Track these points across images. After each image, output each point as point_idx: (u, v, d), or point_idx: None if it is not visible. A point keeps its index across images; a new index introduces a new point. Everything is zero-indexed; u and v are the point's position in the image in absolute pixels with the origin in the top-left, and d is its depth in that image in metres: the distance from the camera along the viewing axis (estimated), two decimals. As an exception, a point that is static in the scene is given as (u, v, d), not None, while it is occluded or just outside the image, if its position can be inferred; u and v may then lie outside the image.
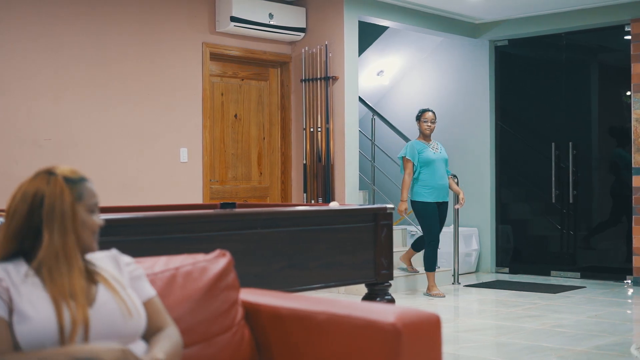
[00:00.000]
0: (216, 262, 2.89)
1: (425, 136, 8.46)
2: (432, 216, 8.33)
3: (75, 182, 2.27)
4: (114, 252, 2.46)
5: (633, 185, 9.17)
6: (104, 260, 2.40)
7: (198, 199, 8.25)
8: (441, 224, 8.49)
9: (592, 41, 10.20)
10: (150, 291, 2.44)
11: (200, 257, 2.89)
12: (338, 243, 4.76)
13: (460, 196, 8.69)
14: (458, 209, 8.90)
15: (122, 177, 7.67)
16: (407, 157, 8.40)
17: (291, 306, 2.85)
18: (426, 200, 8.33)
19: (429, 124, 8.40)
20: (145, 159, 7.86)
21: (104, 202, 7.67)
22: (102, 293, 2.26)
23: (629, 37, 9.33)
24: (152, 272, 2.72)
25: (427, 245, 8.37)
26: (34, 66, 7.15)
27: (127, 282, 2.38)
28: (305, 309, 2.80)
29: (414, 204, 8.40)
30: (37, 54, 7.17)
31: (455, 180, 8.98)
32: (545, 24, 9.90)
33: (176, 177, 8.10)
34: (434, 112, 8.50)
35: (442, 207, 8.49)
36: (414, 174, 8.39)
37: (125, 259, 2.46)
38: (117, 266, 2.40)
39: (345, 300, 2.86)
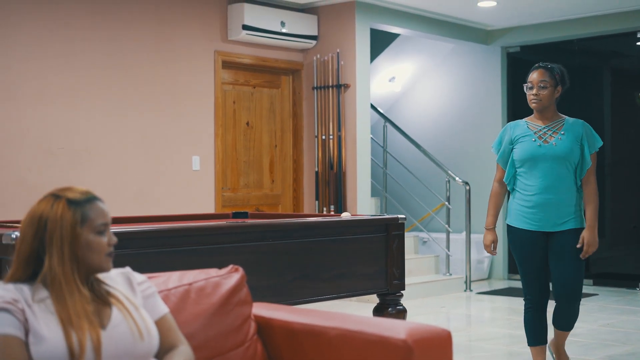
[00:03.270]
0: (229, 277, 2.91)
1: (538, 112, 4.98)
2: (526, 256, 4.93)
3: (80, 204, 2.28)
4: (127, 270, 2.49)
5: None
6: (118, 279, 2.42)
7: (210, 207, 8.28)
8: (561, 269, 4.87)
9: (604, 47, 10.19)
10: (163, 308, 2.46)
11: (213, 272, 2.92)
12: (350, 254, 4.77)
13: (584, 237, 4.84)
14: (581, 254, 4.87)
15: (135, 185, 7.70)
16: (493, 149, 5.13)
17: (303, 321, 2.86)
18: (515, 226, 4.97)
19: (535, 91, 4.91)
20: (158, 167, 7.89)
21: (117, 212, 7.73)
22: (115, 315, 2.29)
23: (640, 43, 9.35)
24: (166, 288, 2.75)
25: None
26: (48, 74, 7.19)
27: (140, 302, 2.40)
28: (318, 324, 2.82)
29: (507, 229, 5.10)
30: (51, 62, 7.20)
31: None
32: (557, 31, 9.90)
33: (189, 185, 8.12)
34: (546, 68, 4.94)
35: (555, 239, 4.89)
36: (509, 177, 5.03)
37: (138, 277, 2.48)
38: (130, 285, 2.43)
39: (357, 315, 2.87)
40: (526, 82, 4.95)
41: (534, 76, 4.92)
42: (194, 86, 8.21)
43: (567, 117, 5.00)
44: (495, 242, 5.04)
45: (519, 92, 10.73)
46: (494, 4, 8.99)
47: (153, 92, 7.87)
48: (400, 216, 5.02)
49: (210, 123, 8.35)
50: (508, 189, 5.06)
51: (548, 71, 4.94)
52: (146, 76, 7.82)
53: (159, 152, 7.91)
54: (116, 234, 3.62)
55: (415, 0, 8.87)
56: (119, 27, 7.63)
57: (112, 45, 7.58)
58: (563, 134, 4.86)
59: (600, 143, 4.92)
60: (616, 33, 9.64)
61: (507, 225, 5.02)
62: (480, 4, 9.02)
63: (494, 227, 5.07)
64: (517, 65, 10.58)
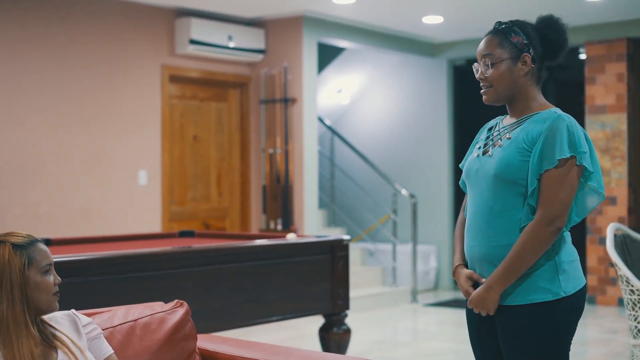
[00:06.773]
0: (174, 312, 2.94)
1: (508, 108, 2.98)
2: (472, 341, 3.03)
3: (25, 248, 2.32)
4: (72, 312, 2.51)
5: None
6: (64, 322, 2.44)
7: (157, 221, 8.26)
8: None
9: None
10: (108, 350, 2.50)
11: (158, 307, 2.95)
12: (296, 275, 4.82)
13: (472, 296, 2.88)
14: None
15: (82, 201, 7.66)
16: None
17: (248, 355, 2.91)
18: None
19: (479, 75, 2.92)
20: (104, 182, 7.86)
21: (64, 229, 7.62)
22: (61, 358, 2.31)
23: (584, 57, 9.52)
24: (111, 325, 2.78)
25: None
26: (-8, 91, 7.14)
27: (85, 344, 2.43)
28: (262, 359, 2.86)
29: None
30: (-5, 79, 7.16)
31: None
32: (501, 45, 10.03)
33: (135, 199, 8.10)
34: (496, 32, 2.89)
35: (500, 320, 2.87)
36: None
37: (84, 320, 2.51)
38: (76, 328, 2.45)
39: (302, 350, 2.92)
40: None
41: (479, 49, 2.93)
42: (140, 100, 8.19)
43: (549, 109, 2.97)
44: (471, 277, 2.89)
45: (465, 104, 10.89)
46: (441, 19, 9.09)
47: (99, 106, 7.85)
48: (344, 237, 5.09)
49: (157, 137, 8.34)
50: None
51: (498, 36, 2.87)
52: (92, 90, 7.79)
53: (106, 167, 7.88)
54: (62, 262, 3.64)
55: (361, 14, 8.94)
56: (66, 44, 7.59)
57: (57, 59, 7.54)
58: (509, 138, 2.85)
59: (557, 155, 2.77)
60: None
61: None
62: (425, 20, 9.12)
63: (463, 263, 2.97)
64: (462, 77, 10.71)
